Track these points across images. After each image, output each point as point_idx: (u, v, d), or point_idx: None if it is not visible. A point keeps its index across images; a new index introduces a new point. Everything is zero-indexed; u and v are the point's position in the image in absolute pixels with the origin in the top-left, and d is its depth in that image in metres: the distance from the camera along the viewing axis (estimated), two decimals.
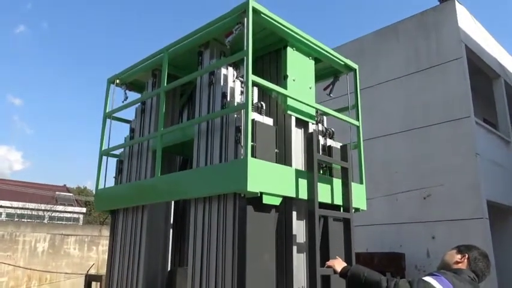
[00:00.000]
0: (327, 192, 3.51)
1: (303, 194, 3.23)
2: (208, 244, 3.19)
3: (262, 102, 3.35)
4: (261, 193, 2.91)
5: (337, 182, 3.61)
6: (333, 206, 3.54)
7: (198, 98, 3.68)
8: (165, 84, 3.82)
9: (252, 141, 3.00)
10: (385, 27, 11.01)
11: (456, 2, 9.74)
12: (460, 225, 8.34)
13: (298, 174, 3.25)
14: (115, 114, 4.71)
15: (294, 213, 3.51)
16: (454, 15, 9.61)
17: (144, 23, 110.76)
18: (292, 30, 3.61)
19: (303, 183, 3.25)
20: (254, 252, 2.89)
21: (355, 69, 4.36)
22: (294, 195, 3.19)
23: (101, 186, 4.57)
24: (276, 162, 3.31)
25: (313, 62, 4.02)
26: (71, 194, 45.88)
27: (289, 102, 3.58)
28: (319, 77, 4.29)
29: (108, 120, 4.68)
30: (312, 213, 3.16)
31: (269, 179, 2.99)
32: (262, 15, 3.30)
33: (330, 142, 3.95)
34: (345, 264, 3.01)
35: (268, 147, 3.22)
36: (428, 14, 10.17)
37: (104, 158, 4.62)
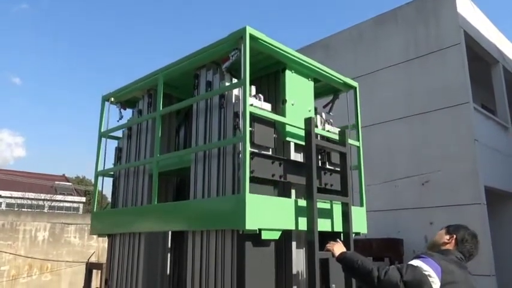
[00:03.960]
0: (327, 221, 3.49)
1: (303, 225, 3.18)
2: (207, 277, 3.16)
3: (260, 95, 3.35)
4: (260, 229, 2.87)
5: (337, 208, 3.58)
6: (333, 233, 3.53)
7: (195, 121, 3.60)
8: (161, 108, 3.77)
9: (250, 127, 3.00)
10: (384, 13, 10.94)
11: None
12: (458, 210, 8.40)
13: (297, 205, 3.21)
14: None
15: (294, 243, 3.50)
16: (453, 1, 9.55)
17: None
18: (290, 54, 3.54)
19: (303, 214, 3.20)
20: (253, 286, 2.88)
21: (355, 88, 4.29)
22: (293, 228, 3.15)
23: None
24: (274, 147, 3.32)
25: (312, 83, 3.95)
26: (70, 184, 45.96)
27: (288, 128, 3.52)
28: (318, 94, 4.21)
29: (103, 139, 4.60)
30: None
31: (268, 214, 2.94)
32: (259, 41, 3.24)
33: (328, 128, 3.96)
34: (344, 249, 3.03)
35: (266, 133, 3.22)
36: (427, 0, 10.10)
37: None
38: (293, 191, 3.56)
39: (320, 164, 3.81)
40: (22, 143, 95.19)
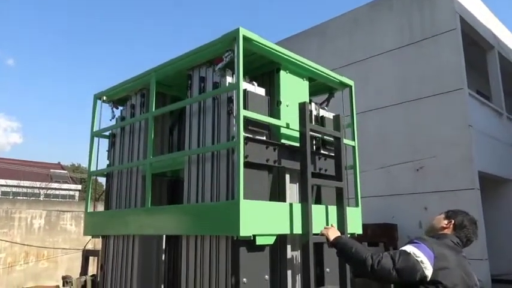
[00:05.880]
0: (322, 223, 3.45)
1: (298, 229, 3.16)
2: (201, 281, 3.15)
3: (254, 82, 3.32)
4: (254, 235, 2.85)
5: (332, 209, 3.54)
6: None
7: (189, 121, 3.56)
8: (154, 109, 3.73)
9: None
10: None
11: None
12: (452, 196, 8.46)
13: (292, 208, 3.18)
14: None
15: (289, 247, 3.48)
16: None
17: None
18: (284, 54, 3.49)
19: (297, 217, 3.16)
20: None
21: (351, 86, 4.23)
22: (288, 232, 3.13)
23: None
24: (268, 132, 3.30)
25: (307, 82, 3.89)
26: (66, 172, 45.81)
27: (283, 130, 3.47)
28: (313, 92, 4.15)
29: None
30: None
31: (262, 220, 2.92)
32: (253, 42, 3.19)
33: (322, 112, 3.95)
34: (339, 234, 3.02)
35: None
36: None
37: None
38: (287, 176, 3.56)
39: (314, 149, 3.80)
40: (18, 129, 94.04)
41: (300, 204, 3.21)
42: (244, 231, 2.77)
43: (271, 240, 3.00)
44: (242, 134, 2.91)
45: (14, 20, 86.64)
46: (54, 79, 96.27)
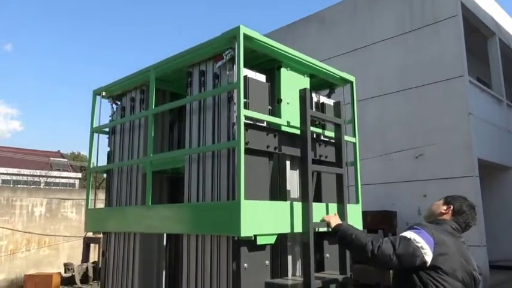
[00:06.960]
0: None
1: (298, 228, 3.13)
2: (202, 280, 3.15)
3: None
4: (255, 235, 2.84)
5: (333, 208, 3.52)
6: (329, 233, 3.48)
7: (189, 119, 3.54)
8: (153, 106, 3.71)
9: (244, 98, 2.97)
10: None
11: None
12: (451, 183, 8.49)
13: (293, 207, 3.15)
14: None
15: (289, 244, 3.49)
16: None
17: None
18: (285, 52, 3.44)
19: (298, 216, 3.14)
20: None
21: (352, 82, 4.18)
22: (288, 231, 3.11)
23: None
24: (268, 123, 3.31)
25: (308, 79, 3.84)
26: (66, 160, 45.86)
27: (284, 128, 3.43)
28: (314, 88, 4.08)
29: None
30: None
31: (263, 220, 2.91)
32: (254, 40, 3.15)
33: (323, 99, 3.94)
34: (340, 222, 3.04)
35: (261, 103, 3.20)
36: None
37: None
38: (288, 163, 3.57)
39: (315, 136, 3.80)
40: (18, 116, 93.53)
41: (300, 203, 3.20)
42: (245, 231, 2.76)
43: (272, 240, 3.01)
44: (242, 133, 2.89)
45: (11, 4, 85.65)
46: (53, 64, 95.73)
